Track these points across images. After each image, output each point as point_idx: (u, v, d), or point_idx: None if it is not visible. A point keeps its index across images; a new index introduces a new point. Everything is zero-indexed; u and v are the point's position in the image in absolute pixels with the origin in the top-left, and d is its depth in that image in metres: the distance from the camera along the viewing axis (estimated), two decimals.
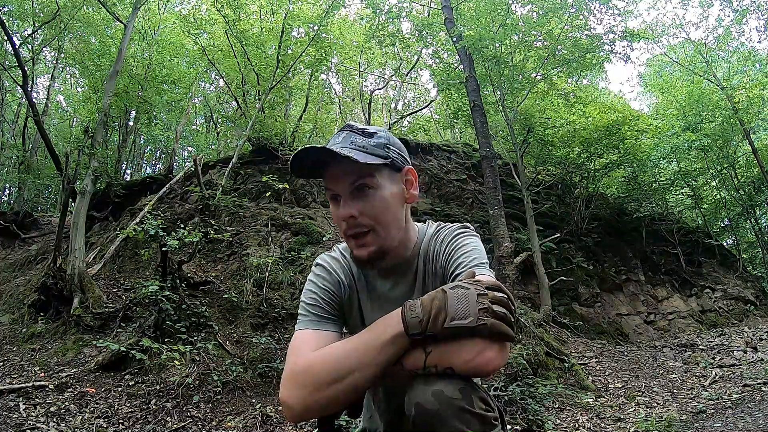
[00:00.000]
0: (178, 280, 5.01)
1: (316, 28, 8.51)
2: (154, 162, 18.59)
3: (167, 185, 8.74)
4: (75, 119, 16.24)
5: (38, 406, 3.65)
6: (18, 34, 9.95)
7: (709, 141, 9.58)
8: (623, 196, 10.35)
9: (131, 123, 11.44)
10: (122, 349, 4.16)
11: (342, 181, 1.03)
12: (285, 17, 8.66)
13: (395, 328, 0.89)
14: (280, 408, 3.83)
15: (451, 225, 1.18)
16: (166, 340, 4.34)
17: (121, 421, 3.54)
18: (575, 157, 8.81)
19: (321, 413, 0.97)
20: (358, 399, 0.99)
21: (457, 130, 14.77)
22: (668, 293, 8.65)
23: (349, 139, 1.03)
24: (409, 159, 1.15)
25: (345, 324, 1.20)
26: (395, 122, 13.83)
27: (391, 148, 1.07)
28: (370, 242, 1.06)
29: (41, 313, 5.48)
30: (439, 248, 1.13)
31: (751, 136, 10.84)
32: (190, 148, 16.86)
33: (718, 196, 12.04)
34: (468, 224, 1.18)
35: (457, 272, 1.04)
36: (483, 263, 1.05)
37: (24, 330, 5.27)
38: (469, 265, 1.03)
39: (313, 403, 0.93)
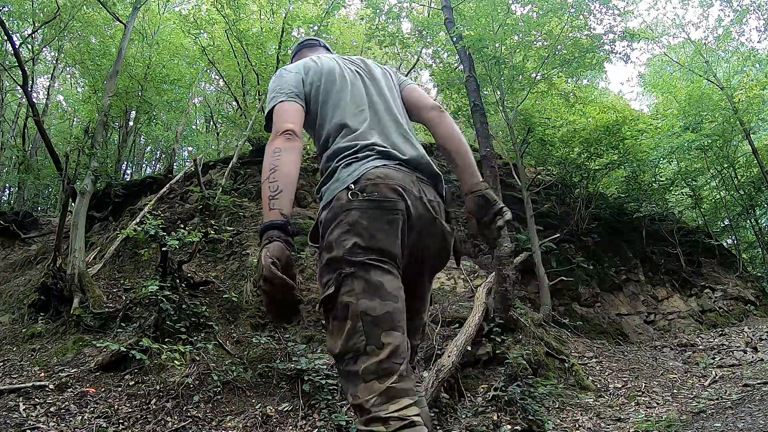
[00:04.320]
0: (178, 280, 5.00)
1: (316, 28, 8.52)
2: (154, 162, 18.59)
3: (167, 185, 8.74)
4: (75, 119, 16.24)
5: (38, 406, 3.65)
6: (18, 34, 9.96)
7: (709, 141, 9.56)
8: (623, 196, 10.32)
9: (131, 123, 11.42)
10: (122, 349, 4.15)
11: None
12: (285, 17, 8.67)
13: None
14: (280, 408, 3.83)
15: None
16: (166, 340, 4.33)
17: (121, 421, 3.53)
18: (575, 157, 8.79)
19: None
20: None
21: None
22: (668, 293, 8.64)
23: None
24: None
25: None
26: None
27: None
28: None
29: (41, 313, 5.47)
30: None
31: (751, 136, 10.82)
32: (190, 148, 16.85)
33: (718, 196, 12.01)
34: None
35: None
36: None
37: (24, 330, 5.26)
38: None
39: None
